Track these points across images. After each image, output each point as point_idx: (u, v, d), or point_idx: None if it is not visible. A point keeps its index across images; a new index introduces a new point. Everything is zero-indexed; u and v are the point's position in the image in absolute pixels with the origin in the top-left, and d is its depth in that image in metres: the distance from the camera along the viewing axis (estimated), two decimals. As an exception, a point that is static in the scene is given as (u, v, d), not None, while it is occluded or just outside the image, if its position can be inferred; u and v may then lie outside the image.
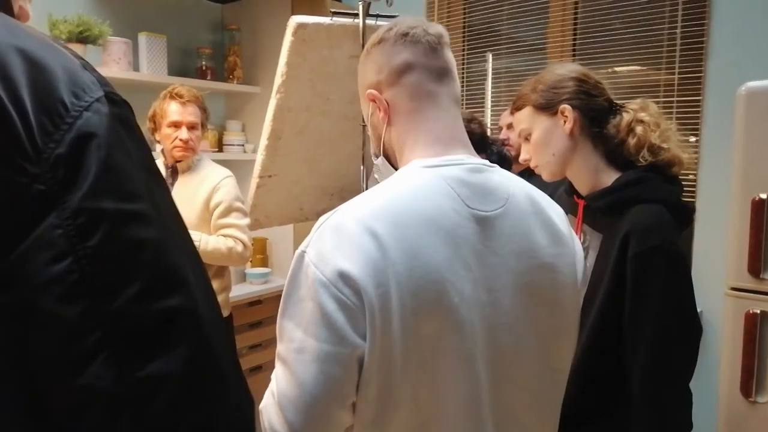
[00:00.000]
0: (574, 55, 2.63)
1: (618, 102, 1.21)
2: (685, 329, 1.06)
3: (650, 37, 2.42)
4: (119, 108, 0.52)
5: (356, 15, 1.88)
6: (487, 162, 0.85)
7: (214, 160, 2.28)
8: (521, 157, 1.24)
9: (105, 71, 2.40)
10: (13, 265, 0.44)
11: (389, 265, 0.70)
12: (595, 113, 1.16)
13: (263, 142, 2.05)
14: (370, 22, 1.96)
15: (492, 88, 3.05)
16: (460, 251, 0.75)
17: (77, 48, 2.25)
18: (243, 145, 2.95)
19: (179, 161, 2.10)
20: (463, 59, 2.99)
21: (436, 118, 0.84)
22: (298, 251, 0.75)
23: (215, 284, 2.11)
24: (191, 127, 2.03)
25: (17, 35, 0.49)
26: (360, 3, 1.87)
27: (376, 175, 0.93)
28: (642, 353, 1.04)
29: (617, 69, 2.58)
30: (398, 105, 0.84)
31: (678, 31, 2.34)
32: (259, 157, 2.07)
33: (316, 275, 0.71)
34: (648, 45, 2.44)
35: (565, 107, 1.15)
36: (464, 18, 2.97)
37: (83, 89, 0.49)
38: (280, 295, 0.77)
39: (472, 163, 0.81)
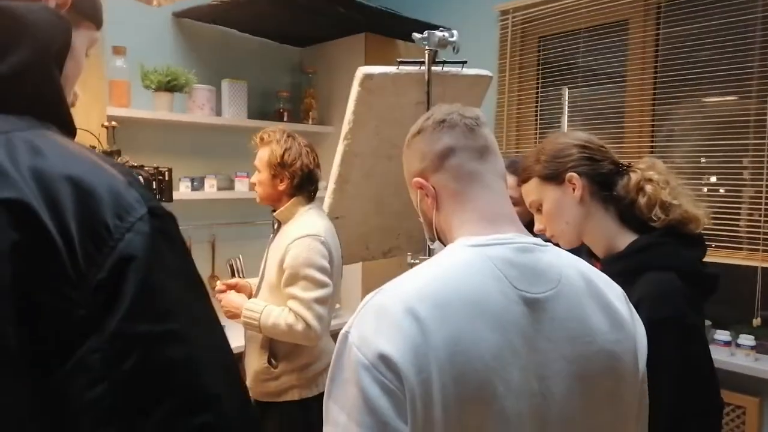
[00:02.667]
0: (655, 87, 2.51)
1: (623, 163, 1.19)
2: (700, 402, 1.03)
3: (739, 66, 2.27)
4: (162, 222, 0.54)
5: (422, 63, 1.91)
6: (538, 240, 0.82)
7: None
8: (536, 228, 1.23)
9: (190, 117, 2.59)
10: (55, 387, 0.47)
11: (431, 350, 0.69)
12: (602, 177, 1.15)
13: (331, 185, 2.11)
14: (436, 69, 1.98)
15: (568, 122, 2.97)
16: (508, 336, 0.72)
17: (165, 97, 2.44)
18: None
19: (274, 210, 1.96)
20: (537, 95, 2.94)
21: (480, 197, 0.84)
22: (342, 331, 0.76)
23: (283, 366, 1.85)
24: (256, 169, 1.94)
25: (67, 160, 0.53)
26: (426, 51, 1.89)
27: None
28: (660, 425, 0.99)
29: (704, 101, 2.44)
30: (444, 189, 0.86)
31: (770, 64, 2.19)
32: (327, 200, 2.13)
33: (358, 358, 0.70)
34: (737, 75, 2.29)
35: (572, 175, 1.14)
36: (539, 54, 2.93)
37: (127, 210, 0.52)
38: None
39: (521, 243, 0.79)
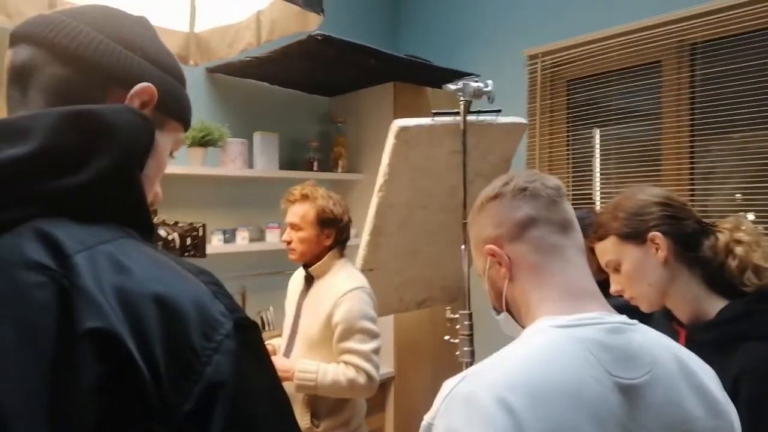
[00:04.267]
0: (692, 126, 2.46)
1: (708, 222, 1.13)
2: None
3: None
4: (248, 334, 0.53)
5: (457, 113, 1.89)
6: (625, 318, 0.77)
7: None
8: (612, 289, 1.16)
9: (223, 170, 2.60)
10: None
11: None
12: (687, 237, 1.09)
13: (365, 237, 2.07)
14: (471, 119, 1.96)
15: (601, 163, 2.91)
16: (606, 428, 0.68)
17: (198, 152, 2.47)
18: (347, 230, 3.03)
19: (306, 265, 1.93)
20: (568, 138, 2.90)
21: (562, 271, 0.80)
22: (424, 423, 0.71)
23: (325, 424, 1.79)
24: (293, 228, 1.88)
25: (152, 276, 0.51)
26: (461, 102, 1.88)
27: (505, 331, 0.88)
28: None
29: (744, 138, 2.37)
30: (521, 260, 0.82)
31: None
32: (361, 252, 2.10)
33: None
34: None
35: (656, 234, 1.08)
36: (568, 98, 2.91)
37: (213, 326, 0.50)
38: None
39: (610, 322, 0.75)
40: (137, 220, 0.58)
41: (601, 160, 2.91)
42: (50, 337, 0.45)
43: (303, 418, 1.79)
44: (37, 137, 0.52)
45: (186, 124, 0.72)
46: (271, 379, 0.55)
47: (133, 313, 0.47)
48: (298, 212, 1.86)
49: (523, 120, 2.12)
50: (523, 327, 0.82)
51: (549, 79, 2.90)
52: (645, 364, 0.73)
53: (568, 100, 2.91)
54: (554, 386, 0.67)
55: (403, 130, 1.84)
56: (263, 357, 0.55)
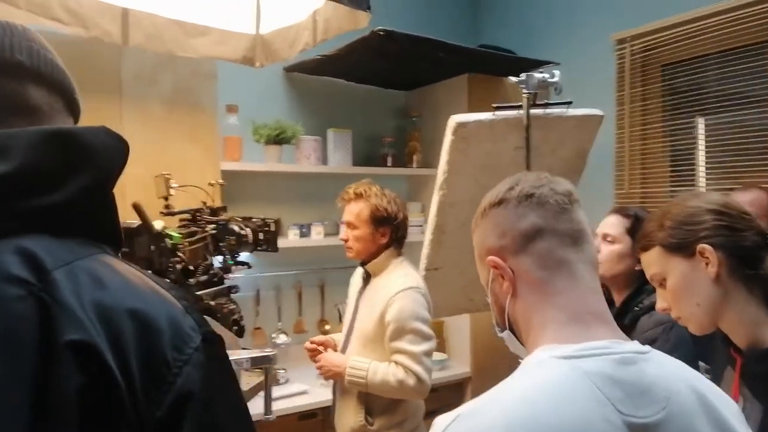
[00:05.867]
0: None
1: None
2: None
3: None
4: (214, 347, 0.56)
5: (520, 107, 1.80)
6: (637, 346, 0.68)
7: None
8: (658, 306, 1.04)
9: (297, 167, 2.68)
10: None
11: None
12: (744, 251, 0.94)
13: (428, 236, 2.04)
14: (537, 112, 1.85)
15: (706, 154, 2.62)
16: None
17: (274, 149, 2.55)
18: (422, 226, 2.99)
19: (364, 263, 1.92)
20: (665, 129, 2.65)
21: (569, 291, 0.71)
22: None
23: (379, 422, 1.78)
24: (349, 226, 1.89)
25: (128, 291, 0.54)
26: (524, 95, 1.78)
27: (511, 349, 0.81)
28: None
29: None
30: (525, 275, 0.73)
31: None
32: (425, 251, 2.06)
33: None
34: None
35: (705, 247, 0.94)
36: (663, 83, 2.65)
37: (184, 340, 0.53)
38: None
39: (620, 352, 0.66)
40: (111, 236, 0.61)
41: (706, 150, 2.62)
42: (31, 348, 0.47)
43: (357, 415, 1.80)
44: (18, 156, 0.54)
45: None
46: (234, 389, 0.58)
47: (111, 327, 0.50)
48: (353, 211, 1.87)
49: (598, 111, 1.97)
50: (526, 347, 0.74)
51: (640, 64, 2.66)
52: (659, 399, 0.64)
53: (663, 86, 2.66)
54: (558, 426, 0.60)
55: (461, 126, 1.78)
56: (227, 368, 0.58)
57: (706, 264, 0.94)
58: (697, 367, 1.38)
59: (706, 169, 2.59)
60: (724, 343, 1.00)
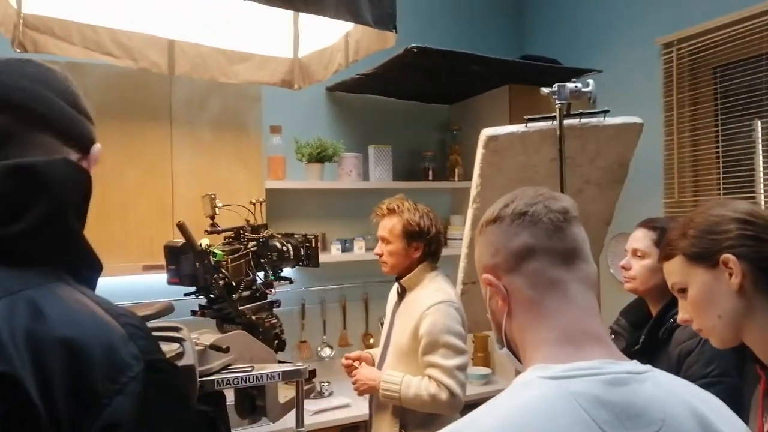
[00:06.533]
0: None
1: None
2: None
3: None
4: (161, 376, 0.56)
5: (553, 118, 1.78)
6: (633, 366, 0.66)
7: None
8: (679, 317, 1.00)
9: (339, 183, 2.74)
10: None
11: None
12: None
13: (464, 249, 2.03)
14: (572, 122, 1.83)
15: (764, 159, 2.49)
16: None
17: (315, 167, 2.63)
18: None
19: (399, 277, 1.93)
20: (717, 134, 2.53)
21: (561, 312, 0.70)
22: None
23: None
24: (383, 241, 1.90)
25: (66, 320, 0.55)
26: (557, 106, 1.76)
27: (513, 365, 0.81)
28: None
29: None
30: (518, 294, 0.72)
31: None
32: (462, 264, 2.06)
33: None
34: None
35: (729, 257, 0.90)
36: (715, 86, 2.54)
37: (120, 369, 0.53)
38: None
39: (611, 373, 0.64)
40: (74, 263, 0.63)
41: (764, 154, 2.49)
42: None
43: (392, 429, 1.81)
44: None
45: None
46: (178, 418, 0.56)
47: (39, 358, 0.51)
48: (387, 226, 1.89)
49: (637, 119, 1.92)
50: (523, 366, 0.74)
51: (688, 68, 2.57)
52: (653, 422, 0.62)
53: (714, 89, 2.55)
54: None
55: (492, 139, 1.78)
56: (174, 399, 0.57)
57: (730, 275, 0.91)
58: (739, 377, 1.32)
59: (765, 175, 2.45)
60: (750, 360, 0.96)
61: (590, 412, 0.61)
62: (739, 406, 1.01)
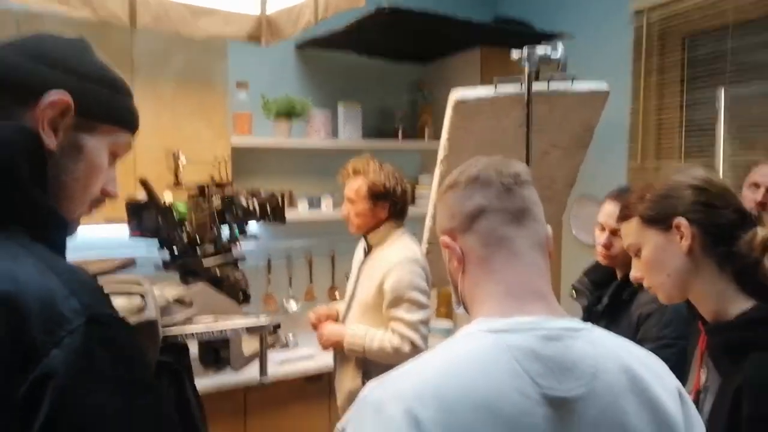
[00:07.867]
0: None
1: (754, 213, 0.96)
2: None
3: None
4: (104, 330, 0.56)
5: (522, 80, 1.79)
6: (572, 323, 0.70)
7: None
8: (632, 275, 1.05)
9: (307, 142, 2.71)
10: None
11: None
12: (719, 229, 0.94)
13: (430, 210, 2.06)
14: (540, 88, 1.84)
15: (726, 126, 2.55)
16: None
17: (283, 124, 2.59)
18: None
19: (366, 235, 1.97)
20: (682, 102, 2.58)
21: (508, 267, 0.74)
22: (338, 426, 0.70)
23: None
24: (350, 202, 1.93)
25: (6, 275, 0.56)
26: (526, 71, 1.76)
27: None
28: None
29: None
30: (471, 252, 0.77)
31: None
32: (427, 224, 2.09)
33: None
34: None
35: (681, 221, 0.95)
36: (683, 55, 2.57)
37: (59, 323, 0.54)
38: None
39: (548, 328, 0.68)
40: (27, 220, 0.63)
41: (727, 124, 2.55)
42: None
43: (355, 379, 1.88)
44: None
45: (124, 126, 0.75)
46: (129, 370, 0.57)
47: None
48: (353, 187, 1.91)
49: (604, 86, 1.94)
50: (470, 318, 0.77)
51: (658, 35, 2.59)
52: (583, 375, 0.66)
53: (683, 57, 2.58)
54: (468, 398, 0.62)
55: (461, 102, 1.78)
56: (122, 352, 0.58)
57: (681, 238, 0.96)
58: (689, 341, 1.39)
59: (727, 141, 2.53)
60: (693, 316, 1.02)
61: (524, 364, 0.65)
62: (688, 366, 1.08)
